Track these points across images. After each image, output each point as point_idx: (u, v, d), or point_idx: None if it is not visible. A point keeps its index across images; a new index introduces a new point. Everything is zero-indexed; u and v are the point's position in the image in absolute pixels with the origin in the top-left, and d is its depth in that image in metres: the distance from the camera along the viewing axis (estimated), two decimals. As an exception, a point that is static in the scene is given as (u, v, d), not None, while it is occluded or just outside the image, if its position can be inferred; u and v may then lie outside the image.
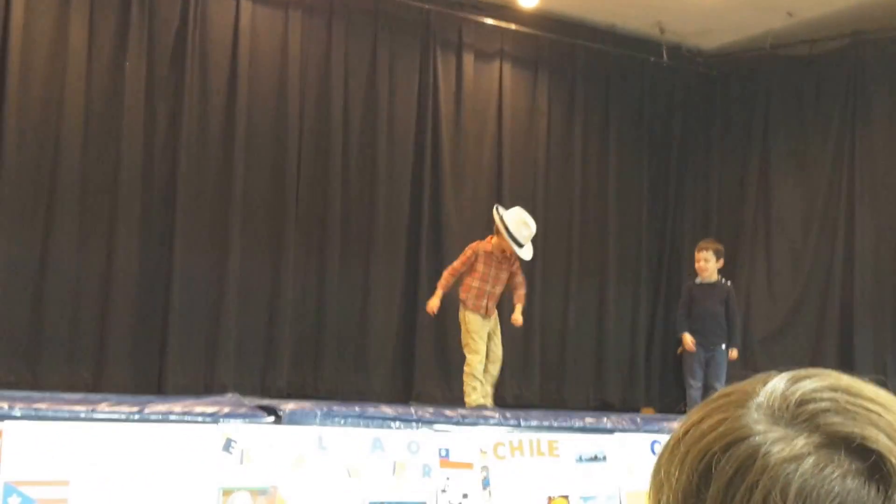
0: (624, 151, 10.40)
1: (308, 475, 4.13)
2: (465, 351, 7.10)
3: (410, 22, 9.34)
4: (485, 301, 7.09)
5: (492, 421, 4.84)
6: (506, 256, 7.20)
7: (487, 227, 9.02)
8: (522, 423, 4.87)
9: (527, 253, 7.11)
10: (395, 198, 9.18)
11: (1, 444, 3.61)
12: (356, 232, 8.98)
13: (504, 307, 7.52)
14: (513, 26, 9.74)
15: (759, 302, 10.05)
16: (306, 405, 4.48)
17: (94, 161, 8.01)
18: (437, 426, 4.58)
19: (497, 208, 7.25)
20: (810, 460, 0.75)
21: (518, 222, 7.04)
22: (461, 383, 7.19)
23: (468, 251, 7.26)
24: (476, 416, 4.90)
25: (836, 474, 0.74)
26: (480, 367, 6.99)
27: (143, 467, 3.81)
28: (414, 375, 9.08)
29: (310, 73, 8.89)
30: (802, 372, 0.82)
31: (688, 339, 8.16)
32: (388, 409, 4.68)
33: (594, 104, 10.29)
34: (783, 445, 0.76)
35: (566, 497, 4.78)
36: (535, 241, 7.29)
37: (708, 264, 8.19)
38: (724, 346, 8.17)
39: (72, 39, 7.94)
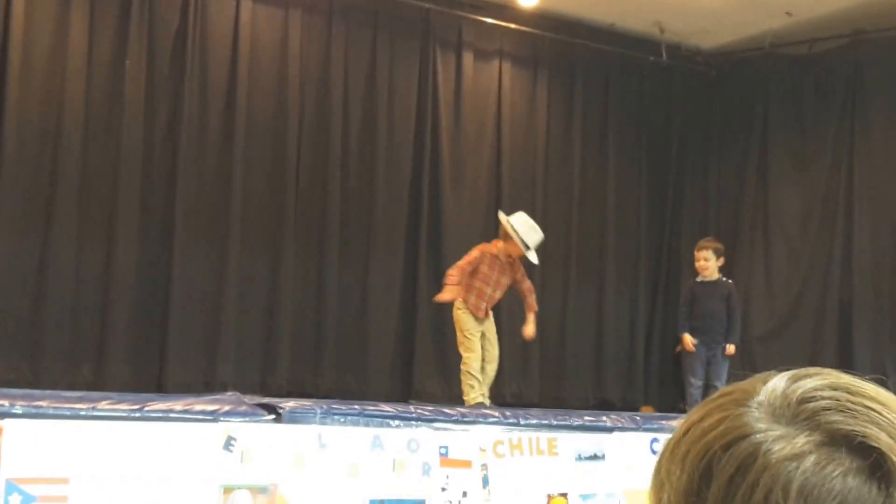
0: (623, 150, 10.42)
1: (308, 473, 4.14)
2: (461, 350, 7.11)
3: (410, 21, 9.36)
4: (484, 304, 7.10)
5: (491, 419, 4.85)
6: (510, 262, 7.20)
7: (486, 226, 9.05)
8: (522, 422, 4.88)
9: (534, 257, 7.13)
10: (395, 196, 9.19)
11: (1, 442, 3.62)
12: (355, 230, 8.99)
13: (499, 310, 7.54)
14: (512, 25, 9.75)
15: (758, 301, 10.06)
16: (306, 403, 4.48)
17: (94, 159, 8.02)
18: (436, 424, 4.59)
19: (500, 213, 7.27)
20: (811, 458, 0.75)
21: (527, 226, 7.06)
22: (460, 382, 7.20)
23: (475, 252, 7.19)
24: (475, 415, 4.91)
25: (837, 472, 0.75)
26: (477, 365, 7.00)
27: (143, 465, 3.82)
28: (413, 374, 9.10)
29: (309, 72, 8.90)
30: (802, 371, 0.83)
31: (688, 340, 8.17)
32: (387, 408, 4.69)
33: (593, 103, 10.30)
34: (784, 444, 0.76)
35: (565, 495, 4.79)
36: (534, 238, 7.30)
37: (708, 263, 8.20)
38: (725, 345, 8.19)
39: (72, 39, 7.95)
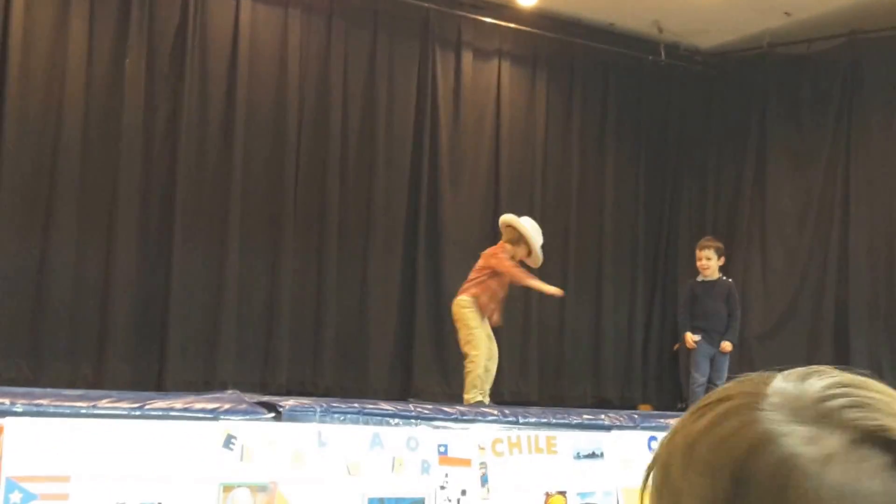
0: (621, 149, 10.43)
1: (308, 471, 4.16)
2: (468, 348, 7.09)
3: (409, 20, 9.37)
4: (493, 305, 7.15)
5: (490, 418, 4.86)
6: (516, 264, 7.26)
7: (485, 225, 9.07)
8: (520, 420, 4.90)
9: (540, 259, 7.23)
10: (394, 195, 9.21)
11: (2, 440, 3.64)
12: (355, 229, 9.01)
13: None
14: (511, 25, 9.76)
15: (755, 300, 10.08)
16: (306, 402, 4.50)
17: (94, 158, 8.03)
18: (435, 423, 4.61)
19: (512, 217, 7.28)
20: (844, 457, 0.73)
21: (536, 230, 7.14)
22: (460, 380, 7.21)
23: (504, 255, 7.14)
24: (474, 413, 4.93)
25: (874, 470, 0.73)
26: (483, 364, 7.02)
27: (143, 463, 3.84)
28: (413, 372, 9.11)
29: (309, 71, 8.91)
30: (803, 370, 0.81)
31: (689, 338, 8.19)
32: (387, 406, 4.71)
33: (592, 102, 10.31)
34: (814, 445, 0.74)
35: (563, 493, 4.81)
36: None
37: (710, 262, 8.21)
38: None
39: (71, 38, 7.96)
